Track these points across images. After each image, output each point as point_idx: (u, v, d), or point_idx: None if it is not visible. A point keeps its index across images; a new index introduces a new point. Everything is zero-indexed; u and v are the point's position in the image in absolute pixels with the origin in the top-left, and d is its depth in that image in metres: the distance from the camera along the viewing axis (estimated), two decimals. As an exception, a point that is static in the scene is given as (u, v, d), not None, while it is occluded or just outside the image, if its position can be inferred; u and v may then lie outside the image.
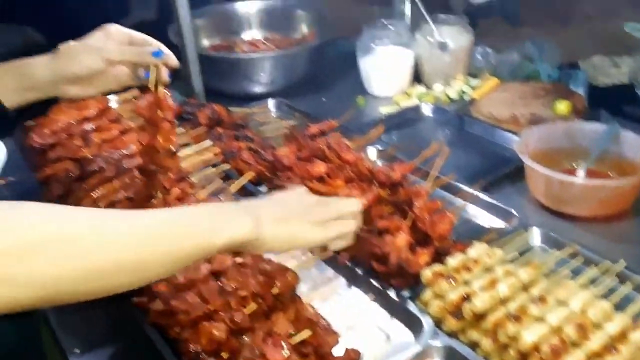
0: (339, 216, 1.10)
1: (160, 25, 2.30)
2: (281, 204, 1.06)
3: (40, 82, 1.30)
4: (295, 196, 1.10)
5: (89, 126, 1.70)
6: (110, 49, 1.31)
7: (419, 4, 2.17)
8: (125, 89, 1.47)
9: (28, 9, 2.70)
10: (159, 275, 0.91)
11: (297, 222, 1.04)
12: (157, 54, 1.31)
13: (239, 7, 2.63)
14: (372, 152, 1.76)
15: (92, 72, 1.31)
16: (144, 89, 1.35)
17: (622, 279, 1.24)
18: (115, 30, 1.34)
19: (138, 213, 0.95)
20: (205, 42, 2.56)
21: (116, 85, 1.37)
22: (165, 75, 1.33)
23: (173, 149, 1.34)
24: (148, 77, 1.31)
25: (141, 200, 1.37)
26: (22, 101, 1.31)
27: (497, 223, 1.48)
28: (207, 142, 1.67)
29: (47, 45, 1.42)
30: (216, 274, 1.19)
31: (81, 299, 0.82)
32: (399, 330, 1.22)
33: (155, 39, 1.83)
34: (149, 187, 1.38)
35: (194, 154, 1.63)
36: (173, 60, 1.34)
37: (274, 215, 1.01)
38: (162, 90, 1.32)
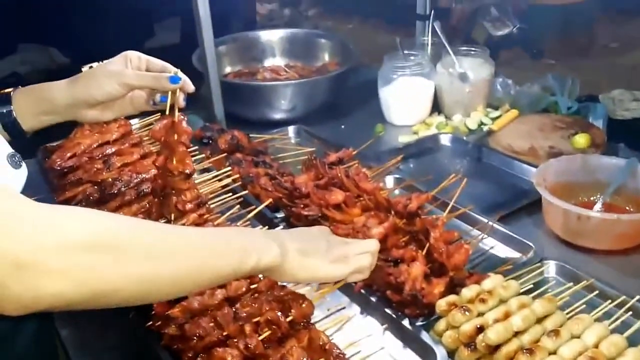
0: (356, 253, 1.16)
1: (184, 51, 2.36)
2: (305, 238, 1.11)
3: (59, 106, 1.34)
4: (319, 233, 1.16)
5: (110, 150, 1.74)
6: (128, 75, 1.34)
7: (441, 36, 2.19)
8: (143, 113, 1.51)
9: (55, 31, 2.77)
10: (192, 291, 0.98)
11: (319, 257, 1.10)
12: (174, 79, 1.34)
13: (262, 35, 2.69)
14: (390, 181, 1.77)
15: (111, 97, 1.34)
16: (164, 113, 1.38)
17: (637, 313, 1.23)
18: (134, 56, 1.37)
19: (189, 229, 1.03)
20: (228, 69, 2.61)
21: (133, 109, 1.42)
22: (181, 100, 1.37)
23: (188, 172, 1.37)
24: (165, 101, 1.36)
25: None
26: (41, 124, 1.36)
27: (514, 255, 1.48)
28: (226, 168, 1.70)
29: (71, 66, 1.46)
30: (231, 300, 1.20)
31: (122, 304, 0.86)
32: (412, 360, 1.22)
33: (179, 63, 1.87)
34: (162, 209, 1.41)
35: (212, 179, 1.66)
36: (189, 86, 1.38)
37: (298, 247, 1.07)
38: (178, 114, 1.37)
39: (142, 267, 0.84)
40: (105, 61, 1.38)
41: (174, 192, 1.38)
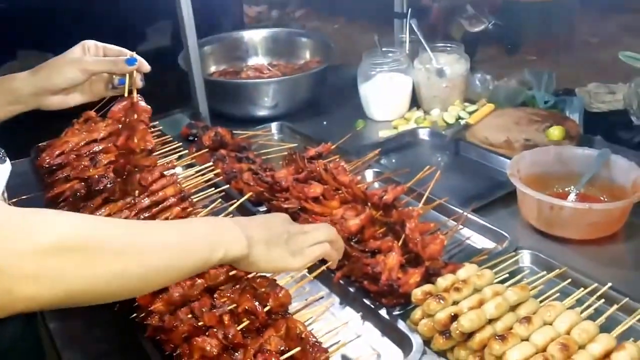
0: (314, 243, 1.16)
1: (175, 53, 2.40)
2: (269, 228, 1.11)
3: (22, 96, 1.41)
4: (280, 222, 1.15)
5: (97, 147, 1.76)
6: (88, 60, 1.41)
7: (418, 33, 2.23)
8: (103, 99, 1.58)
9: (53, 38, 2.80)
10: (162, 285, 0.99)
11: (281, 248, 1.11)
12: (131, 61, 1.42)
13: (246, 35, 2.74)
14: (369, 175, 1.80)
15: (73, 82, 1.41)
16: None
17: (609, 300, 1.26)
18: (91, 44, 1.45)
19: (153, 225, 1.02)
20: (213, 68, 2.65)
21: (93, 95, 1.49)
22: (138, 80, 1.45)
23: (150, 147, 1.44)
24: (123, 83, 1.44)
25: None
26: (7, 115, 1.42)
27: (490, 245, 1.51)
28: (208, 163, 1.72)
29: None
30: (210, 291, 1.23)
31: (94, 302, 0.88)
32: (389, 349, 1.25)
33: (169, 65, 1.93)
34: (126, 187, 1.47)
35: (195, 174, 1.68)
36: (145, 66, 1.45)
37: (262, 237, 1.08)
38: (136, 95, 1.45)
39: (112, 266, 0.85)
40: (65, 51, 1.45)
41: (136, 169, 1.44)
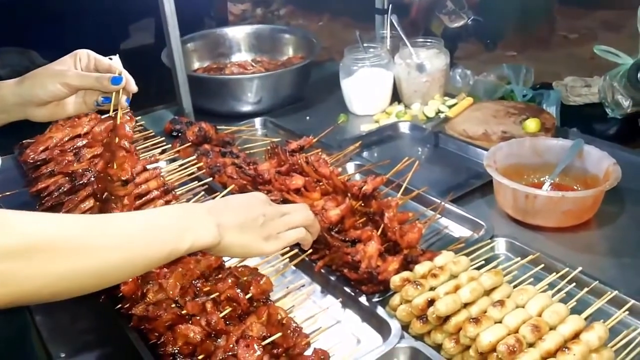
0: (289, 228, 1.18)
1: (158, 50, 2.42)
2: (242, 211, 1.11)
3: (7, 105, 1.34)
4: (257, 203, 1.15)
5: (80, 142, 1.78)
6: (70, 75, 1.32)
7: (398, 28, 2.27)
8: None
9: (34, 34, 2.81)
10: (126, 278, 1.01)
11: (254, 233, 1.11)
12: (116, 80, 1.32)
13: (229, 31, 2.75)
14: (351, 167, 1.84)
15: (55, 96, 1.33)
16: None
17: (580, 284, 1.31)
18: (83, 55, 1.37)
19: (119, 217, 1.01)
20: (197, 65, 2.67)
21: (87, 107, 1.40)
22: (123, 101, 1.36)
23: (125, 178, 1.35)
24: (107, 102, 1.35)
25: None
26: None
27: (467, 233, 1.55)
28: (192, 158, 1.75)
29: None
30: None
31: (73, 295, 0.89)
32: (369, 334, 1.29)
33: (153, 62, 1.91)
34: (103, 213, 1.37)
35: (179, 168, 1.71)
36: (132, 87, 1.37)
37: (235, 222, 1.08)
38: (121, 116, 1.36)
39: (63, 265, 0.85)
40: (57, 60, 1.38)
41: (113, 197, 1.36)
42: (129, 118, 1.39)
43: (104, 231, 0.92)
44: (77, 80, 1.32)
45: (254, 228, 1.11)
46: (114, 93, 1.34)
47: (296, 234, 1.19)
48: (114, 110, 1.36)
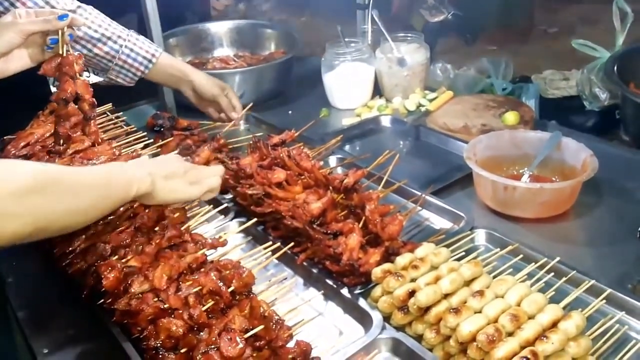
0: (207, 177, 1.36)
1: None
2: (166, 165, 1.30)
3: None
4: (175, 159, 1.35)
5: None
6: (22, 22, 1.47)
7: (379, 23, 2.28)
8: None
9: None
10: (95, 218, 1.15)
11: (179, 180, 1.29)
12: (63, 17, 1.48)
13: (211, 27, 2.75)
14: (333, 161, 1.85)
15: (10, 46, 1.47)
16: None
17: (558, 274, 1.33)
18: (22, 12, 1.50)
19: (91, 167, 1.29)
20: (179, 60, 2.64)
21: (31, 60, 1.55)
22: (66, 36, 1.52)
23: (64, 97, 1.55)
24: (56, 42, 1.51)
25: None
26: None
27: (447, 225, 1.57)
28: (174, 152, 1.74)
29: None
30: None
31: (61, 232, 1.11)
32: (351, 326, 1.30)
33: None
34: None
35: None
36: (78, 20, 1.54)
37: (163, 173, 1.26)
38: (66, 50, 1.53)
39: (64, 203, 1.03)
40: None
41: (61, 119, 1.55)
42: (77, 55, 1.55)
43: (84, 176, 1.11)
44: (29, 25, 1.48)
45: (179, 175, 1.29)
46: (60, 33, 1.50)
47: (211, 181, 1.36)
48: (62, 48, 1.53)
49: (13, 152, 1.75)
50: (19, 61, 1.53)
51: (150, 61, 1.98)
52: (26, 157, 1.74)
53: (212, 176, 1.37)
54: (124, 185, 1.17)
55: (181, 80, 2.08)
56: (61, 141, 1.59)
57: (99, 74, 2.06)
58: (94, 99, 1.59)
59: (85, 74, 1.63)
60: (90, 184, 1.11)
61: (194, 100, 2.13)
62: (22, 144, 1.77)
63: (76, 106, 1.60)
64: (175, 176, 1.29)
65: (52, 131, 1.78)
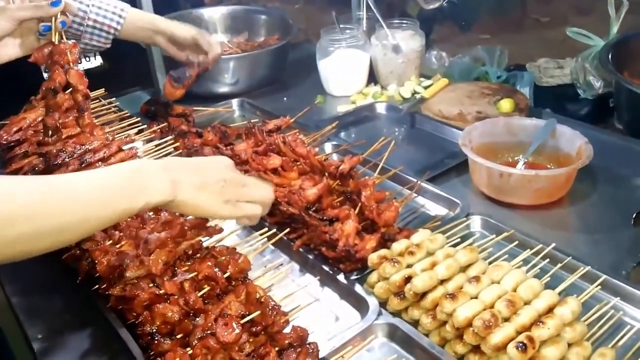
0: (249, 201, 1.19)
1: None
2: (202, 173, 1.12)
3: None
4: (216, 166, 1.16)
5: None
6: (12, 8, 1.45)
7: (374, 10, 2.27)
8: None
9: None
10: (82, 236, 1.00)
11: (211, 196, 1.11)
12: (56, 3, 1.47)
13: (205, 12, 2.72)
14: (328, 147, 1.84)
15: (2, 32, 1.45)
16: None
17: (553, 260, 1.34)
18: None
19: (76, 179, 0.99)
20: (172, 46, 2.63)
21: (25, 48, 1.52)
22: (58, 23, 1.49)
23: (53, 87, 1.51)
24: (48, 29, 1.49)
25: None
26: None
27: (443, 211, 1.57)
28: (169, 138, 1.74)
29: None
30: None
31: (12, 260, 0.90)
32: (347, 311, 1.30)
33: (127, 43, 1.94)
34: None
35: (156, 148, 1.70)
36: (70, 7, 1.51)
37: (192, 181, 1.08)
38: (58, 38, 1.51)
39: (22, 229, 0.87)
40: None
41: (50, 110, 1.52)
42: (71, 44, 1.53)
43: (61, 192, 0.93)
44: (20, 11, 1.45)
45: (214, 190, 1.12)
46: (53, 20, 1.48)
47: (253, 209, 1.20)
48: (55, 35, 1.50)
49: (5, 137, 1.74)
50: (12, 49, 1.50)
51: (120, 16, 1.86)
52: (19, 142, 1.73)
53: (257, 201, 1.20)
54: (126, 200, 0.99)
55: (154, 32, 1.97)
56: (50, 132, 1.56)
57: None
58: (88, 90, 1.55)
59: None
60: (65, 203, 0.93)
61: (171, 51, 2.04)
62: (15, 128, 1.76)
63: (66, 95, 1.56)
64: (210, 189, 1.11)
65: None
